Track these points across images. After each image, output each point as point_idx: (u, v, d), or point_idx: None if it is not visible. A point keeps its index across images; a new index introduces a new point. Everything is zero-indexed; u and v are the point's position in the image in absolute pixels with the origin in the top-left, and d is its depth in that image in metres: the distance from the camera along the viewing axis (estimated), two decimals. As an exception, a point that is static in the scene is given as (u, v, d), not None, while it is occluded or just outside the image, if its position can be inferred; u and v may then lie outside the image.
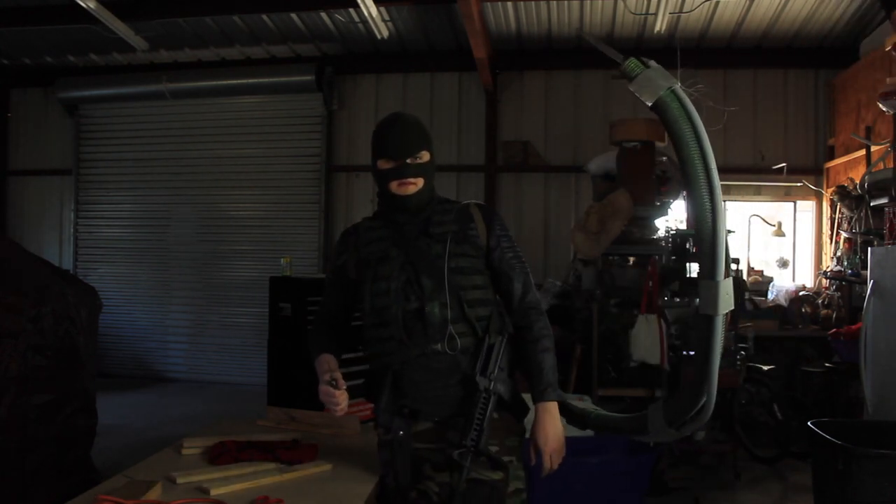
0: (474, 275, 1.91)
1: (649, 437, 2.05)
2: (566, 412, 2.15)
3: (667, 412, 1.96)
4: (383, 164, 1.92)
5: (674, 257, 5.02)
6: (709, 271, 1.76)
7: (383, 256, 1.92)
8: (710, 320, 1.80)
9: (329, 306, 2.10)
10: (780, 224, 6.55)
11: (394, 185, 1.91)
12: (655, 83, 1.75)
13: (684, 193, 5.22)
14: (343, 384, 1.87)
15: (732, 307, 1.81)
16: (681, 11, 6.04)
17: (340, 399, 1.85)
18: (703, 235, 1.73)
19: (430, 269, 1.87)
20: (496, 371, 1.86)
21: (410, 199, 1.91)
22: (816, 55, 6.76)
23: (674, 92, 1.75)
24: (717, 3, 5.99)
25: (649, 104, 1.77)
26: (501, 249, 1.96)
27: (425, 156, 1.93)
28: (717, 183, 1.72)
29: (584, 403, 2.28)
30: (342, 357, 2.06)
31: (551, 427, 1.90)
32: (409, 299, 1.87)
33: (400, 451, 1.87)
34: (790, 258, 6.85)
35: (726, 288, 1.76)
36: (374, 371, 1.96)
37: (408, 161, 1.89)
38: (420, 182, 1.92)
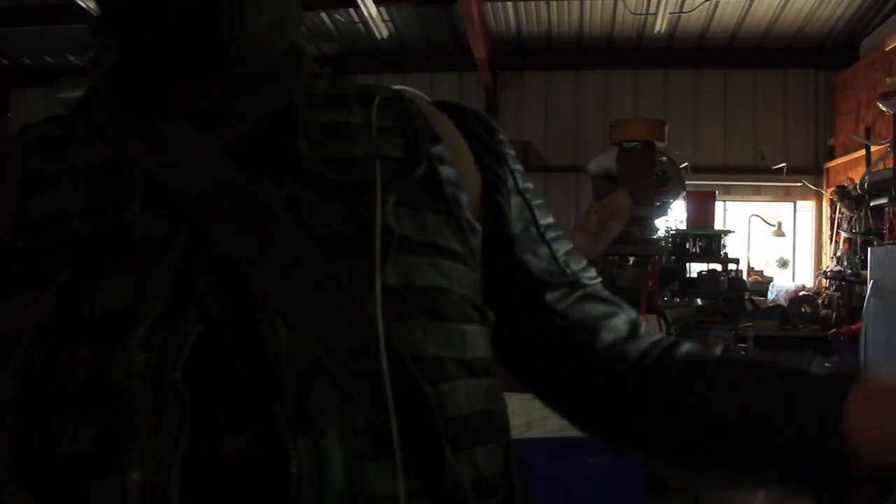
0: (465, 320, 0.47)
1: None
2: None
3: None
4: None
5: (674, 257, 5.02)
6: None
7: (73, 237, 0.44)
8: None
9: None
10: (780, 224, 6.56)
11: None
12: None
13: (684, 193, 5.22)
14: None
15: None
16: (681, 11, 6.03)
17: None
18: None
19: (305, 305, 0.42)
20: None
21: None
22: (816, 55, 6.76)
23: None
24: (717, 3, 5.98)
25: None
26: (537, 230, 0.58)
27: None
28: None
29: None
30: None
31: None
32: (180, 419, 0.39)
33: None
34: (790, 258, 6.85)
35: None
36: None
37: None
38: None
